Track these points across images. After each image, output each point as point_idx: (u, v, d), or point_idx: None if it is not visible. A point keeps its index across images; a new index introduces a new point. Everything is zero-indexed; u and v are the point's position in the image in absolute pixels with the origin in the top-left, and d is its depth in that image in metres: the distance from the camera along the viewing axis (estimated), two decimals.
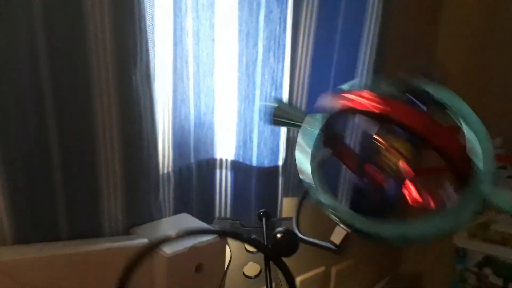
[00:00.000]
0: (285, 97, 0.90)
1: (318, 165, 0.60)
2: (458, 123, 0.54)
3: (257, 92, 0.87)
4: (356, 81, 0.60)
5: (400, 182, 0.56)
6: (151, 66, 0.70)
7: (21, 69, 0.58)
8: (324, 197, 0.54)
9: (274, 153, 0.91)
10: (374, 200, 0.58)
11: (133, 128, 0.68)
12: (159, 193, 0.77)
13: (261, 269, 0.74)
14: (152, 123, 0.72)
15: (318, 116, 0.63)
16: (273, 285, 0.68)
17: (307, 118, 0.65)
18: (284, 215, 1.04)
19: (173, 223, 0.79)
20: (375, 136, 0.58)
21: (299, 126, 0.67)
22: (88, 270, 0.66)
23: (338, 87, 0.64)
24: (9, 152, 0.59)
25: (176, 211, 0.84)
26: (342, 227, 0.58)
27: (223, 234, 0.68)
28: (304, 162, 0.60)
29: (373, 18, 0.97)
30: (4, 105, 0.58)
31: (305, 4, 0.94)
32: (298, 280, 1.25)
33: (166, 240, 0.57)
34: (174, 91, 0.79)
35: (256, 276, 0.74)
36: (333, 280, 1.38)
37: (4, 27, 0.56)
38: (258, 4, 0.83)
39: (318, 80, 1.00)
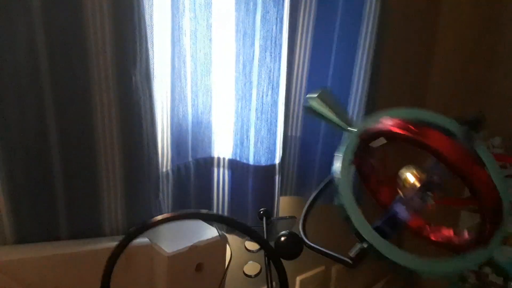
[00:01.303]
0: (282, 97, 0.90)
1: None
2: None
3: (254, 92, 0.87)
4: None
5: (411, 210, 0.57)
6: (151, 66, 0.70)
7: (21, 69, 0.58)
8: (355, 216, 0.54)
9: (271, 152, 0.91)
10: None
11: (133, 127, 0.68)
12: (159, 192, 0.77)
13: (261, 268, 0.74)
14: (151, 122, 0.72)
15: (354, 132, 0.62)
16: (274, 284, 0.68)
17: (347, 130, 0.64)
18: (280, 214, 1.05)
19: (173, 223, 0.79)
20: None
21: (333, 123, 0.66)
22: (88, 270, 0.66)
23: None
24: (9, 151, 0.59)
25: (174, 210, 0.84)
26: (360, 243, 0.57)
27: (217, 220, 0.67)
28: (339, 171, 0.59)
29: (370, 18, 0.98)
30: (4, 105, 0.58)
31: (302, 4, 0.95)
32: (298, 279, 1.25)
33: (149, 225, 0.58)
34: (172, 90, 0.79)
35: (256, 275, 0.74)
36: (333, 279, 1.39)
37: (3, 28, 0.56)
38: (255, 5, 0.83)
39: (316, 79, 1.01)
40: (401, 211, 0.57)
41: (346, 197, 0.55)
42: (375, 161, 0.67)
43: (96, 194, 0.68)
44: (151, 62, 0.71)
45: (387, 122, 0.59)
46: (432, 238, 0.62)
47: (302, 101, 1.02)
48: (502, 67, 1.39)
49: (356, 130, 0.63)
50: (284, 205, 1.12)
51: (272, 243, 0.66)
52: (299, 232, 0.69)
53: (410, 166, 0.61)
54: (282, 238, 0.67)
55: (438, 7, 1.51)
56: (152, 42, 0.71)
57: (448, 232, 0.58)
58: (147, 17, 0.68)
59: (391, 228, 0.56)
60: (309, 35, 0.98)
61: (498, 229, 0.52)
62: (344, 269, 1.41)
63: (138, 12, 0.65)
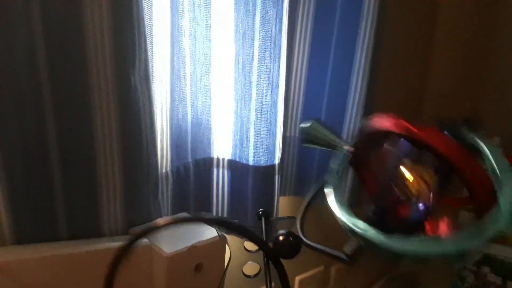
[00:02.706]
0: (281, 97, 0.90)
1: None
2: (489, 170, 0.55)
3: (253, 92, 0.87)
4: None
5: (423, 210, 0.57)
6: (150, 66, 0.70)
7: (20, 69, 0.58)
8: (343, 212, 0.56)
9: (271, 152, 0.91)
10: (393, 223, 0.59)
11: (132, 128, 0.68)
12: (158, 193, 0.78)
13: (260, 268, 0.74)
14: (150, 123, 0.72)
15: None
16: (273, 284, 0.68)
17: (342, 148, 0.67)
18: (280, 214, 1.05)
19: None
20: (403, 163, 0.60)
21: (332, 148, 0.68)
22: (87, 270, 0.66)
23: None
24: (8, 152, 0.59)
25: (174, 211, 0.84)
26: (355, 239, 0.58)
27: (218, 223, 0.69)
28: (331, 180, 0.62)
29: (369, 18, 0.98)
30: (3, 106, 0.58)
31: (301, 5, 0.95)
32: (297, 279, 1.25)
33: (153, 229, 0.59)
34: (172, 91, 0.79)
35: (256, 275, 0.75)
36: (332, 279, 1.39)
37: (2, 30, 0.56)
38: (254, 5, 0.83)
39: (314, 79, 1.01)
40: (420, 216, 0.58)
41: (332, 204, 0.58)
42: (371, 162, 0.68)
43: (95, 194, 0.68)
44: (150, 62, 0.71)
45: (384, 121, 0.60)
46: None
47: (300, 100, 1.03)
48: (500, 67, 1.39)
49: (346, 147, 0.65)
50: (283, 205, 1.12)
51: (271, 243, 0.67)
52: (298, 231, 0.69)
53: (412, 166, 0.61)
54: (281, 238, 0.67)
55: (436, 8, 1.51)
56: (152, 42, 0.71)
57: (444, 228, 0.59)
58: (146, 18, 0.69)
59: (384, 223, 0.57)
60: (308, 35, 0.98)
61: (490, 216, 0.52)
62: (343, 269, 1.41)
63: (137, 13, 0.65)
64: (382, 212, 0.60)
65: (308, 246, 0.65)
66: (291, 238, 0.67)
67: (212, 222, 0.71)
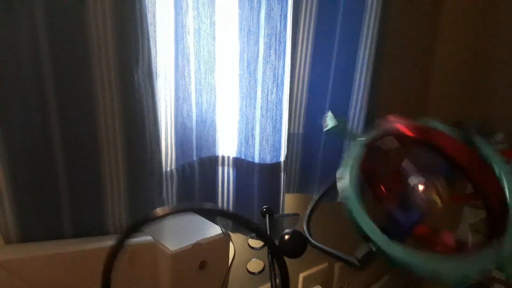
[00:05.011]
0: (286, 94, 0.90)
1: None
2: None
3: (259, 89, 0.87)
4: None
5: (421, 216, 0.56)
6: (153, 64, 0.70)
7: (24, 68, 0.58)
8: (363, 220, 0.51)
9: (276, 150, 0.91)
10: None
11: (136, 126, 0.69)
12: (163, 191, 0.78)
13: (264, 265, 0.74)
14: (154, 121, 0.72)
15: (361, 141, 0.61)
16: (277, 281, 0.68)
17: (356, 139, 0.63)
18: (286, 211, 1.05)
19: (176, 221, 0.79)
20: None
21: (352, 138, 0.66)
22: (92, 268, 0.66)
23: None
24: (13, 150, 0.60)
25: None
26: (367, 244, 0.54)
27: (221, 214, 0.66)
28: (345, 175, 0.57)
29: (372, 14, 0.97)
30: (7, 104, 0.58)
31: (304, 0, 0.95)
32: (301, 276, 1.25)
33: (148, 220, 0.54)
34: (176, 89, 0.79)
35: (260, 272, 0.74)
36: (336, 276, 1.39)
37: (6, 27, 0.56)
38: (259, 2, 0.83)
39: (318, 76, 1.01)
40: (409, 219, 0.55)
41: (353, 203, 0.53)
42: (381, 165, 0.66)
43: (99, 192, 0.68)
44: (153, 60, 0.71)
45: (394, 122, 0.58)
46: (435, 248, 0.60)
47: (304, 97, 1.02)
48: (504, 62, 1.38)
49: (363, 139, 0.62)
50: (288, 202, 1.12)
51: (276, 241, 0.66)
52: (303, 230, 0.68)
53: (423, 177, 0.59)
54: (286, 236, 0.66)
55: (441, 4, 1.50)
56: (155, 40, 0.71)
57: (449, 240, 0.56)
58: (149, 15, 0.69)
59: (398, 231, 0.54)
60: (311, 31, 0.98)
61: (506, 230, 0.51)
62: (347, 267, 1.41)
63: (140, 10, 0.65)
64: (398, 222, 0.57)
65: (315, 247, 0.64)
66: (296, 237, 0.66)
67: (215, 214, 0.70)
